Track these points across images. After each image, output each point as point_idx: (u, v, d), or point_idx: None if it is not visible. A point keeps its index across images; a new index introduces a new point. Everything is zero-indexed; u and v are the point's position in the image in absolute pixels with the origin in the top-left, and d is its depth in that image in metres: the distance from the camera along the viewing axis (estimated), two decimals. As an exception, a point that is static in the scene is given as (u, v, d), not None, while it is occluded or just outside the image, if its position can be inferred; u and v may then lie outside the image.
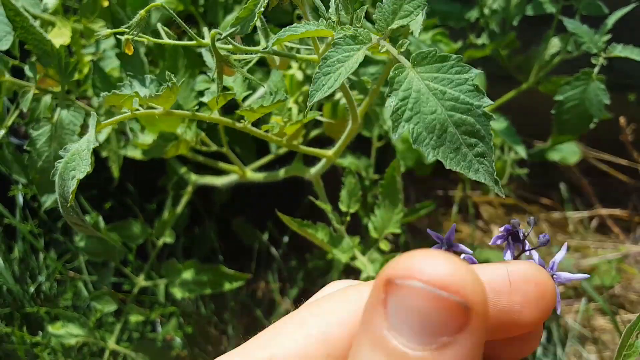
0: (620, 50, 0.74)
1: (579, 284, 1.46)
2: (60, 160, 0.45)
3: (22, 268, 1.23)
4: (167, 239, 1.06)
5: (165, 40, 0.50)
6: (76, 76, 1.04)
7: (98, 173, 1.19)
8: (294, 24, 0.39)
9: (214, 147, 0.82)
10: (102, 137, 0.79)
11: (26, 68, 0.77)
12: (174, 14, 0.72)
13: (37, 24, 0.76)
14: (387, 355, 0.24)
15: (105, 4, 1.08)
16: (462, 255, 0.34)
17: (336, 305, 0.29)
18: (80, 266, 1.24)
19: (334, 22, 0.41)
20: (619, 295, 1.49)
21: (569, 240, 1.59)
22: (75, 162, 0.44)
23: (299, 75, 0.75)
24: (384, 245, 0.73)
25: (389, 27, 0.38)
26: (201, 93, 0.78)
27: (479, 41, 1.12)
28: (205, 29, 0.50)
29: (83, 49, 1.09)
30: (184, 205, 1.11)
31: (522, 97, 1.07)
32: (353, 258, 0.73)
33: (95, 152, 1.07)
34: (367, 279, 0.72)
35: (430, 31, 0.98)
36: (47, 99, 0.84)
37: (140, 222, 1.07)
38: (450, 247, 0.34)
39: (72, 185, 0.44)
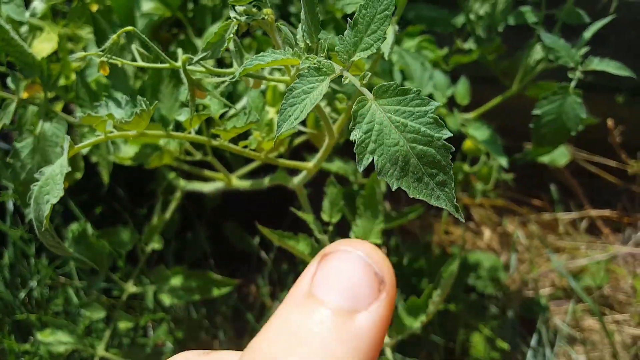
0: (597, 64, 0.75)
1: (568, 285, 1.47)
2: (35, 184, 0.46)
3: (13, 274, 1.24)
4: (156, 245, 1.07)
5: (140, 62, 0.50)
6: (63, 82, 1.05)
7: (88, 178, 1.19)
8: (262, 53, 0.39)
9: (198, 156, 0.83)
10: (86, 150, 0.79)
11: (8, 80, 0.78)
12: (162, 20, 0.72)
13: (17, 36, 0.77)
14: (309, 311, 0.28)
15: (95, 8, 1.09)
16: None
17: None
18: (71, 272, 1.25)
19: (301, 49, 0.41)
20: (608, 295, 1.50)
21: (559, 242, 1.60)
22: (49, 186, 0.45)
23: (281, 86, 0.76)
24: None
25: (351, 59, 0.39)
26: (185, 104, 0.78)
27: (466, 46, 1.12)
28: (179, 50, 0.51)
29: (71, 55, 1.09)
30: (172, 211, 1.12)
31: (512, 98, 1.08)
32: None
33: (85, 158, 1.07)
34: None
35: (416, 38, 0.98)
36: (34, 108, 0.84)
37: (129, 229, 1.07)
38: None
39: (46, 209, 0.45)
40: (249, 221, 1.47)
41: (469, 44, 1.12)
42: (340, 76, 0.40)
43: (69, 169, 0.45)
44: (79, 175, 1.02)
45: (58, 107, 1.06)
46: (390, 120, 0.35)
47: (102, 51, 0.46)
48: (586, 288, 1.49)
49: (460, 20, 1.10)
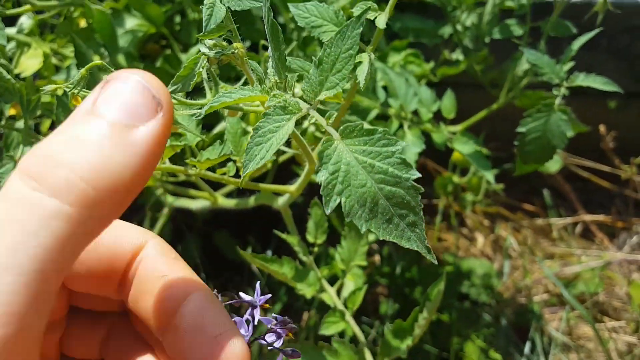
0: (582, 80, 0.74)
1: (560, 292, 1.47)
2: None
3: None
4: (144, 263, 1.06)
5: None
6: (49, 99, 1.04)
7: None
8: (229, 89, 0.39)
9: (182, 177, 0.82)
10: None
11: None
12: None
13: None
14: (89, 123, 0.29)
15: (83, 23, 1.08)
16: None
17: None
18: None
19: (272, 84, 0.41)
20: (603, 302, 1.49)
21: (552, 248, 1.59)
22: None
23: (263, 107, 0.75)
24: (351, 278, 0.73)
25: (317, 98, 0.38)
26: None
27: (453, 56, 1.11)
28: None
29: (56, 74, 1.08)
30: (160, 227, 1.11)
31: (504, 105, 1.07)
32: (321, 290, 0.73)
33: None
34: (335, 312, 0.72)
35: (402, 52, 0.98)
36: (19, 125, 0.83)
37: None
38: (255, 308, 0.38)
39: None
40: (241, 230, 1.47)
41: (457, 55, 1.11)
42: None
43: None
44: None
45: (46, 123, 1.05)
46: (358, 161, 0.35)
47: (72, 84, 0.45)
48: (580, 294, 1.48)
49: (447, 31, 1.10)
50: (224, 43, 0.43)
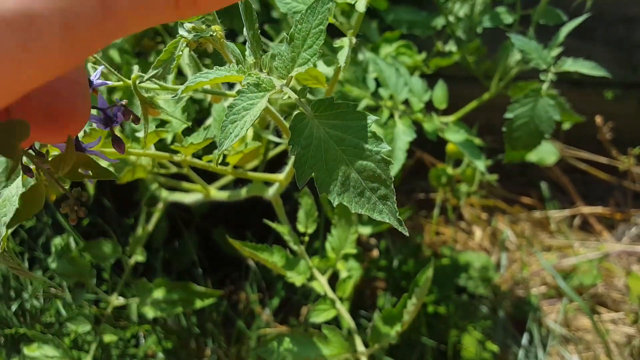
0: (570, 65, 0.74)
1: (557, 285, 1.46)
2: (-10, 206, 0.45)
3: (5, 287, 1.24)
4: (139, 257, 1.06)
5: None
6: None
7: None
8: (205, 70, 0.39)
9: (173, 169, 0.82)
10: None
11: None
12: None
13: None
14: None
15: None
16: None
17: None
18: (62, 283, 1.25)
19: (249, 65, 0.41)
20: (602, 294, 1.49)
21: (550, 240, 1.59)
22: (6, 208, 0.44)
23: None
24: (341, 266, 0.73)
25: (290, 74, 0.38)
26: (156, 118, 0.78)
27: (447, 48, 1.11)
28: (135, 67, 0.50)
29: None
30: (155, 222, 1.11)
31: (498, 95, 1.07)
32: (312, 278, 0.73)
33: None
34: (326, 300, 0.72)
35: (394, 43, 0.98)
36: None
37: (112, 241, 1.07)
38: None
39: (3, 232, 0.44)
40: (239, 226, 1.47)
41: (450, 46, 1.11)
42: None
43: (24, 189, 0.44)
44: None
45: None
46: (329, 135, 0.35)
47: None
48: (578, 286, 1.48)
49: (439, 22, 1.10)
50: (203, 26, 0.43)
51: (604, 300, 1.48)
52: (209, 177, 0.97)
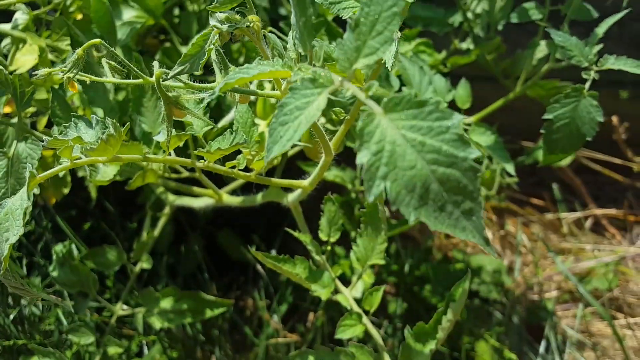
0: (613, 63, 0.70)
1: (575, 288, 1.43)
2: (-4, 219, 0.40)
3: (3, 294, 1.18)
4: (144, 264, 1.01)
5: (110, 79, 0.45)
6: (45, 96, 0.99)
7: (76, 192, 1.14)
8: (246, 65, 0.34)
9: (185, 173, 0.77)
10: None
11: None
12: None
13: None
14: None
15: (79, 17, 1.03)
16: None
17: None
18: (62, 291, 1.20)
19: (293, 59, 0.36)
20: (617, 298, 1.45)
21: (563, 243, 1.55)
22: (9, 222, 0.39)
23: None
24: (368, 277, 0.68)
25: (353, 67, 0.33)
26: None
27: (464, 46, 1.07)
28: (155, 63, 0.45)
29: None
30: (161, 227, 1.06)
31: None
32: (336, 292, 0.68)
33: (72, 172, 1.02)
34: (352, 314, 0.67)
35: (412, 41, 0.93)
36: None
37: (116, 248, 1.01)
38: None
39: (5, 250, 0.39)
40: (245, 228, 1.42)
41: (467, 44, 1.07)
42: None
43: (29, 203, 0.39)
44: (66, 191, 0.97)
45: (42, 121, 1.01)
46: (405, 139, 0.30)
47: (67, 67, 0.41)
48: (594, 290, 1.44)
49: (457, 19, 1.05)
50: (237, 16, 0.38)
51: (619, 305, 1.45)
52: (213, 179, 0.92)
